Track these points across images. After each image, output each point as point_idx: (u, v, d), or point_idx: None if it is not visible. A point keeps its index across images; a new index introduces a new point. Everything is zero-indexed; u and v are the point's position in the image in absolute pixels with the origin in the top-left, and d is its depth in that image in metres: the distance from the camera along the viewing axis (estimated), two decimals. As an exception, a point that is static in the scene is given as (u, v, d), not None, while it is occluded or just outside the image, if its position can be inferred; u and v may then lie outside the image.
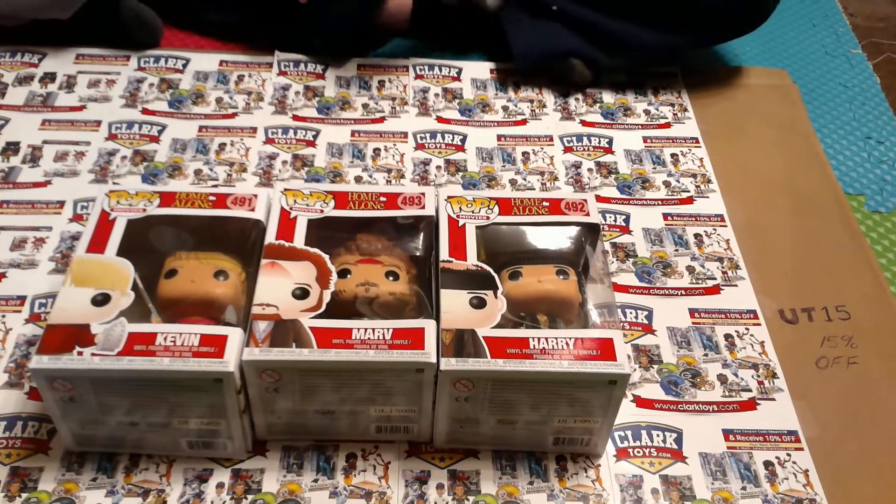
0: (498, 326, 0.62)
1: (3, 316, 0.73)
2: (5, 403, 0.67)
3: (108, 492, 0.62)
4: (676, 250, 0.83)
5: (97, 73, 0.99)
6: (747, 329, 0.76)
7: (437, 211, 0.70)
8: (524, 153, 0.93)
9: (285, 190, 0.71)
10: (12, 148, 0.89)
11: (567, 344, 0.61)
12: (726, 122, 0.98)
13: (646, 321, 0.76)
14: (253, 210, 0.69)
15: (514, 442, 0.66)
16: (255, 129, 0.93)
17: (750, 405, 0.71)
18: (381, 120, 0.96)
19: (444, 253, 0.66)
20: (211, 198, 0.69)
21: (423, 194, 0.71)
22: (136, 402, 0.61)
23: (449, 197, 0.71)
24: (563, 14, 0.97)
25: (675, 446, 0.67)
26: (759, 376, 0.72)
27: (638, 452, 0.67)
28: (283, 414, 0.64)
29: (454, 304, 0.63)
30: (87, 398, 0.60)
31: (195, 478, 0.64)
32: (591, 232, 0.69)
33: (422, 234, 0.69)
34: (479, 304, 0.63)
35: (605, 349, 0.60)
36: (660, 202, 0.88)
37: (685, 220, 0.86)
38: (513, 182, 0.89)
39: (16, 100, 0.95)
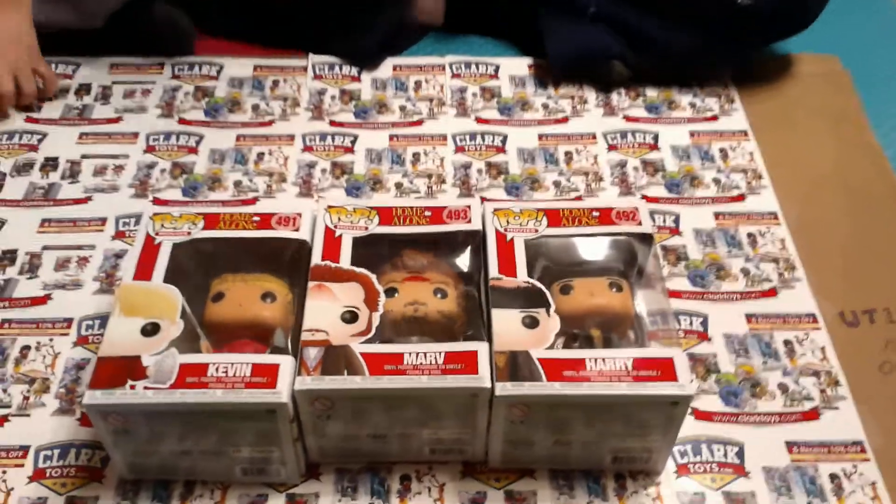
0: (552, 347, 0.60)
1: (51, 339, 0.73)
2: (57, 431, 0.67)
3: (164, 520, 0.62)
4: (729, 251, 0.80)
5: (132, 82, 0.98)
6: (807, 334, 0.74)
7: (483, 224, 0.68)
8: (567, 153, 0.90)
9: (329, 207, 0.69)
10: (51, 164, 0.89)
11: (626, 365, 0.59)
12: (775, 114, 0.94)
13: (701, 328, 0.74)
14: (298, 230, 0.67)
15: (571, 461, 0.64)
16: (292, 137, 0.92)
17: (812, 415, 0.68)
18: (420, 122, 0.94)
19: (493, 270, 0.65)
20: (255, 218, 0.68)
21: (469, 207, 0.69)
22: (189, 432, 0.60)
23: (495, 210, 0.69)
24: (602, 17, 0.94)
25: (736, 460, 0.65)
26: (821, 384, 0.70)
27: (699, 468, 0.65)
28: (336, 438, 0.63)
29: (506, 325, 0.61)
30: (140, 429, 0.60)
31: (250, 504, 0.63)
32: (643, 241, 0.67)
33: (469, 248, 0.67)
34: (531, 323, 0.62)
35: (666, 369, 0.58)
36: (710, 201, 0.85)
37: (737, 219, 0.83)
38: (557, 184, 0.87)
39: (52, 113, 0.94)
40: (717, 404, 0.69)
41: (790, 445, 0.66)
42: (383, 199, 0.85)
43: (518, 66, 1.01)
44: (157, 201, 0.85)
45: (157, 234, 0.67)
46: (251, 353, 0.62)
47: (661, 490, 0.64)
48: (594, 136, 0.92)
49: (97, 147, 0.91)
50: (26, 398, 0.69)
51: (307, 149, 0.90)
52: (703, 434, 0.67)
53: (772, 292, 0.77)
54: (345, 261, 0.66)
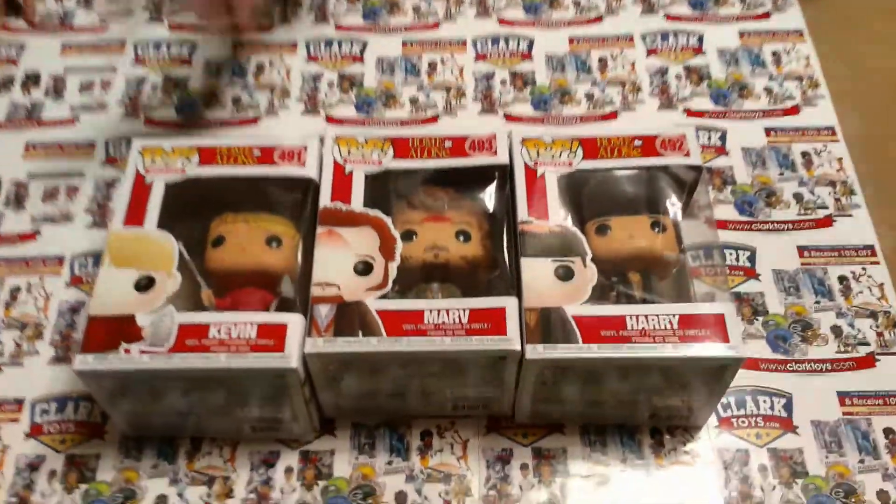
0: (589, 301, 0.54)
1: (42, 279, 0.68)
2: (54, 381, 0.63)
3: (172, 480, 0.58)
4: (781, 174, 0.72)
5: None
6: (864, 269, 0.67)
7: (510, 156, 0.61)
8: (601, 59, 0.81)
9: (338, 138, 0.62)
10: (33, 79, 0.81)
11: (671, 323, 0.53)
12: (835, 10, 0.84)
13: (748, 263, 0.67)
14: (303, 165, 0.60)
15: (605, 416, 0.60)
16: (294, 45, 0.83)
17: (868, 362, 0.63)
18: (436, 25, 0.84)
19: (521, 211, 0.58)
20: (255, 152, 0.61)
21: (494, 137, 0.61)
22: (192, 393, 0.56)
23: (524, 140, 0.61)
24: None
25: (784, 414, 0.60)
26: (878, 326, 0.64)
27: (743, 422, 0.60)
28: (351, 396, 0.58)
29: (538, 277, 0.55)
30: (139, 391, 0.55)
31: (261, 462, 0.59)
32: (691, 173, 0.60)
33: (494, 183, 0.60)
34: (565, 274, 0.55)
35: (716, 327, 0.52)
36: (761, 114, 0.77)
37: (790, 136, 0.75)
38: (589, 97, 0.78)
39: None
40: (765, 350, 0.63)
41: (842, 396, 0.61)
42: (397, 116, 0.77)
43: (545, -45, 0.89)
44: (148, 122, 0.77)
45: (147, 171, 0.60)
46: (257, 302, 0.57)
47: (702, 447, 0.59)
48: (631, 39, 0.82)
49: (82, 59, 0.82)
50: (18, 346, 0.64)
51: (312, 58, 0.82)
52: (748, 385, 0.61)
53: (827, 221, 0.70)
54: (357, 201, 0.59)
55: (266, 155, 0.61)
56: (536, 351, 0.52)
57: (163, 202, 0.59)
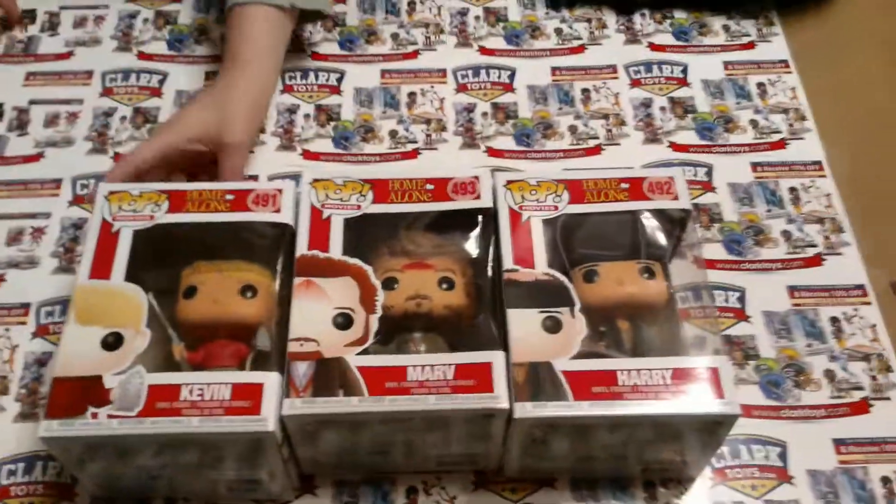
0: (578, 356, 0.52)
1: (7, 330, 0.65)
2: (20, 440, 0.60)
3: (144, 545, 0.56)
4: (769, 210, 0.71)
5: (82, 6, 0.85)
6: (856, 310, 0.66)
7: (494, 199, 0.59)
8: (584, 90, 0.79)
9: (315, 181, 0.59)
10: (-7, 110, 0.78)
11: (664, 377, 0.51)
12: (822, 40, 0.83)
13: (738, 304, 0.66)
14: (278, 211, 0.58)
15: (596, 471, 0.58)
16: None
17: (862, 407, 0.61)
18: (415, 55, 0.82)
19: (507, 259, 0.56)
20: (228, 196, 0.58)
21: (477, 179, 0.59)
22: (164, 455, 0.53)
23: (508, 182, 0.59)
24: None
25: (779, 463, 0.59)
26: (871, 370, 0.63)
27: (738, 473, 0.59)
28: (331, 453, 0.56)
29: (524, 329, 0.53)
30: (108, 455, 0.52)
31: (239, 524, 0.57)
32: (680, 217, 0.58)
33: (478, 227, 0.58)
34: (553, 326, 0.53)
35: (710, 382, 0.51)
36: (747, 148, 0.75)
37: (777, 171, 0.74)
38: (572, 129, 0.76)
39: (-8, 48, 0.82)
40: (758, 396, 0.62)
41: (838, 444, 0.60)
42: (376, 150, 0.75)
43: (526, -19, 0.88)
44: (118, 157, 0.74)
45: (114, 218, 0.58)
46: (231, 356, 0.54)
47: (696, 499, 0.58)
48: (615, 69, 0.81)
49: (47, 90, 0.79)
50: (-18, 402, 0.61)
51: (287, 88, 0.79)
52: (741, 433, 0.60)
53: (816, 260, 0.68)
54: (335, 249, 0.56)
55: (239, 199, 0.58)
56: (525, 409, 0.50)
57: (131, 251, 0.56)
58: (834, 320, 0.65)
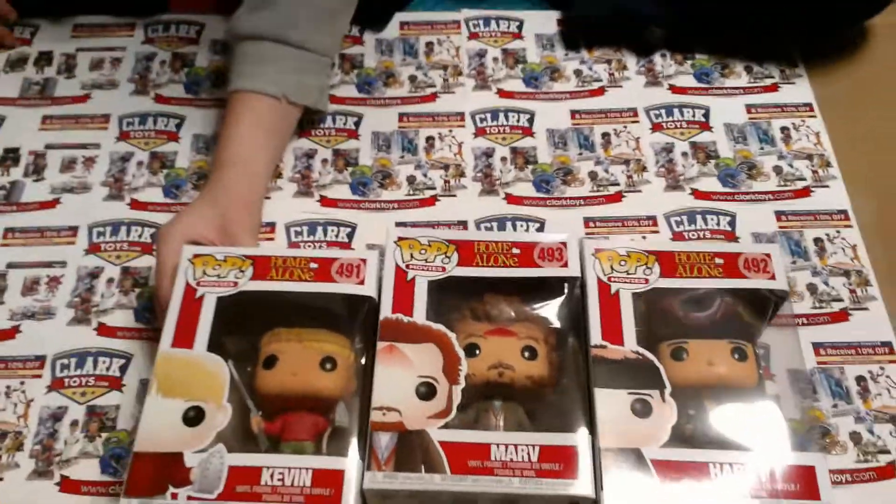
0: (669, 444, 0.50)
1: (22, 383, 0.64)
2: (33, 498, 0.59)
3: None
4: (794, 262, 0.70)
5: (99, 48, 0.85)
6: (882, 368, 0.64)
7: (581, 267, 0.57)
8: (604, 134, 0.78)
9: (400, 240, 0.59)
10: (12, 156, 0.77)
11: (759, 475, 0.49)
12: (848, 82, 0.81)
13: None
14: (362, 283, 0.57)
15: None
16: (288, 121, 0.80)
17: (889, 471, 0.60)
18: (433, 98, 0.81)
19: (594, 334, 0.54)
20: (312, 265, 0.58)
21: (564, 246, 0.58)
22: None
23: (597, 251, 0.58)
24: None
25: None
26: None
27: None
28: None
29: (612, 411, 0.51)
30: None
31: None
32: (775, 298, 0.57)
33: (564, 296, 0.57)
34: (643, 410, 0.52)
35: (806, 483, 0.49)
36: (770, 196, 0.74)
37: (802, 220, 0.72)
38: (593, 176, 0.75)
39: (9, 91, 0.82)
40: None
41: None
42: (394, 196, 0.74)
43: (544, 21, 0.87)
44: (135, 204, 0.74)
45: (198, 283, 0.57)
46: (309, 429, 0.54)
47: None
48: (635, 112, 0.80)
49: (63, 134, 0.79)
50: (-4, 458, 0.61)
51: (304, 133, 0.78)
52: None
53: (843, 315, 0.67)
54: (419, 313, 0.55)
55: (323, 268, 0.58)
56: (615, 499, 0.48)
57: (213, 318, 0.56)
58: (860, 380, 0.64)
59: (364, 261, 0.58)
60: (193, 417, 0.52)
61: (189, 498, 0.49)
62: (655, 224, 0.72)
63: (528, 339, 0.55)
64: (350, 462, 0.50)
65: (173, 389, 0.53)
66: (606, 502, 0.48)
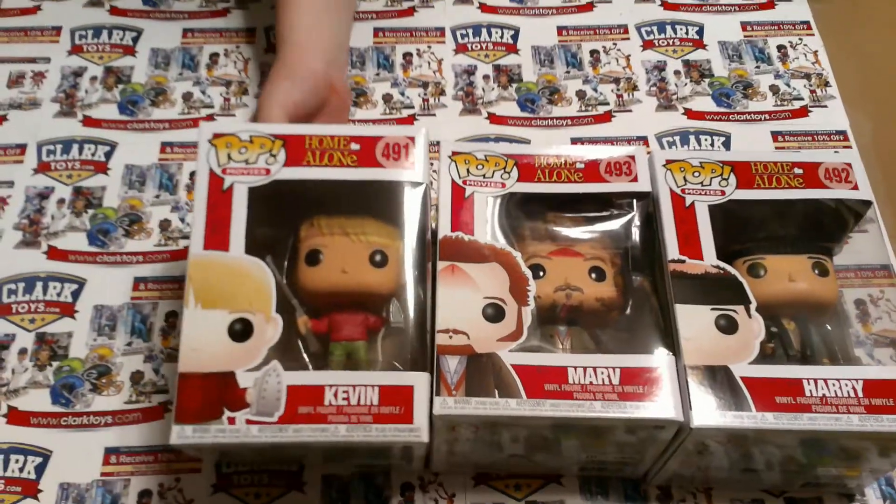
0: (758, 360, 0.46)
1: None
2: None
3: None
4: (791, 185, 0.66)
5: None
6: (882, 292, 0.61)
7: (652, 181, 0.53)
8: (592, 52, 0.74)
9: (454, 154, 0.53)
10: (-47, 72, 0.71)
11: (854, 389, 0.46)
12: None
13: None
14: (413, 167, 0.50)
15: (753, 481, 0.53)
16: (252, 32, 0.74)
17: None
18: (411, 12, 0.76)
19: (672, 249, 0.50)
20: (353, 146, 0.50)
21: (633, 159, 0.53)
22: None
23: (668, 161, 0.53)
24: None
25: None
26: None
27: None
28: (468, 452, 0.51)
29: (696, 328, 0.47)
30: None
31: None
32: (857, 209, 0.53)
33: (632, 214, 0.52)
34: (728, 326, 0.47)
35: None
36: (767, 116, 0.70)
37: (800, 141, 0.69)
38: (580, 94, 0.71)
39: (-50, 1, 0.76)
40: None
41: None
42: (369, 115, 0.69)
43: (530, -69, 0.81)
44: (88, 121, 0.69)
45: (223, 171, 0.49)
46: (359, 327, 0.49)
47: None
48: (626, 29, 0.75)
49: (11, 47, 0.73)
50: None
51: (272, 47, 0.73)
52: None
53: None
54: (481, 232, 0.50)
55: (367, 150, 0.50)
56: (704, 419, 0.45)
57: (247, 214, 0.48)
58: (859, 303, 0.61)
59: (412, 139, 0.51)
60: (241, 331, 0.46)
61: (248, 422, 0.44)
62: (647, 145, 0.68)
63: (595, 259, 0.51)
64: (418, 378, 0.45)
65: (214, 300, 0.46)
66: (696, 423, 0.45)
